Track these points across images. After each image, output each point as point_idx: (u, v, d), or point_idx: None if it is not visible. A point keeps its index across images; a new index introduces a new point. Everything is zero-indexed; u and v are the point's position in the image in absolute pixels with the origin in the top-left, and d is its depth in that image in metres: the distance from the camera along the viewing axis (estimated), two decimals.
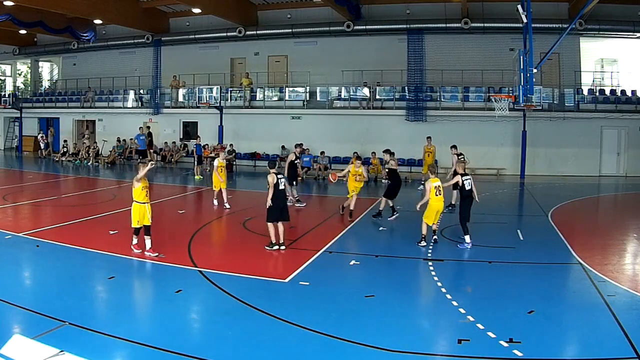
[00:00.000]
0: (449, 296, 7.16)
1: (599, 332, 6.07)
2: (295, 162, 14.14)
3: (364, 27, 24.76)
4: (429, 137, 19.21)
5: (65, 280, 7.71)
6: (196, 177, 20.93)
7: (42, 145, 28.84)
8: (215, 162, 13.91)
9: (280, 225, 9.29)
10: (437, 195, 9.79)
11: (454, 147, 15.28)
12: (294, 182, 14.14)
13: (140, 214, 8.85)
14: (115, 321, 6.16)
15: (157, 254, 8.86)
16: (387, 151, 13.27)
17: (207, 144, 23.75)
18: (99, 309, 6.73)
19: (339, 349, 5.61)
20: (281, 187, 9.33)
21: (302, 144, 15.42)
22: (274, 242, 9.25)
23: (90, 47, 30.44)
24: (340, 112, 24.79)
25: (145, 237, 8.92)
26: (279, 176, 9.29)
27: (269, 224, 9.24)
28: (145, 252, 8.84)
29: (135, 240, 9.07)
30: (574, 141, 22.30)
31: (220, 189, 13.76)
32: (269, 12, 26.89)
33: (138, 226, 8.93)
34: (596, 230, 12.43)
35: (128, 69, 29.80)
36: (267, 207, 9.26)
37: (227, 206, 13.67)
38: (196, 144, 22.32)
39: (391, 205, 12.35)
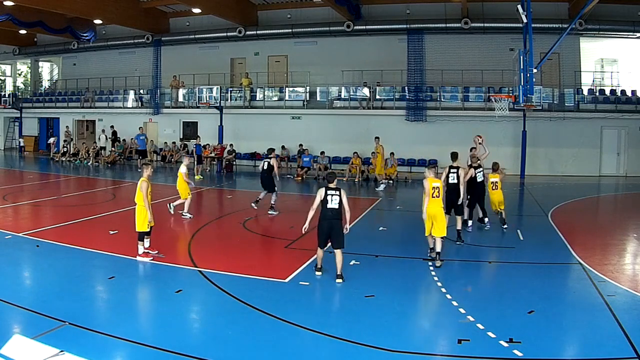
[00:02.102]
0: (449, 296, 7.16)
1: (599, 332, 6.06)
2: (263, 163, 13.10)
3: (364, 27, 24.75)
4: (377, 138, 19.21)
5: (65, 280, 7.71)
6: (196, 177, 20.94)
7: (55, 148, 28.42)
8: (183, 169, 12.63)
9: (337, 253, 7.79)
10: (434, 197, 8.77)
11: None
12: (273, 189, 13.05)
13: (147, 217, 8.65)
14: (115, 321, 6.16)
15: (156, 252, 8.86)
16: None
17: (207, 144, 23.77)
18: (99, 309, 6.73)
19: (339, 349, 5.61)
20: (331, 204, 7.75)
21: (274, 149, 13.87)
22: (319, 265, 8.02)
23: (90, 47, 30.43)
24: (340, 112, 24.78)
25: (146, 237, 8.88)
26: (330, 192, 7.79)
27: (318, 248, 7.97)
28: (145, 251, 8.81)
29: (141, 249, 8.68)
30: (574, 141, 22.29)
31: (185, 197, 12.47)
32: (269, 12, 26.89)
33: (148, 229, 8.71)
34: (596, 230, 12.42)
35: (128, 69, 29.80)
36: (305, 227, 7.93)
37: (189, 215, 12.34)
38: (196, 144, 22.38)
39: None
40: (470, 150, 11.92)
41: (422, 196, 9.02)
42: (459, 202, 10.33)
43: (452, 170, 10.41)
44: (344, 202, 7.80)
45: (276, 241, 10.26)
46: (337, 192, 7.81)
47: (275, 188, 13.12)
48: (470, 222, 11.28)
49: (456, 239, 10.30)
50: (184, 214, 12.36)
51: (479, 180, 11.04)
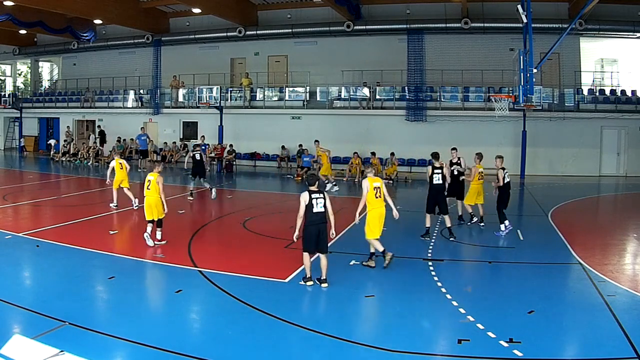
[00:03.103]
0: (449, 296, 7.16)
1: (599, 332, 6.06)
2: (194, 155, 15.43)
3: (364, 27, 24.76)
4: (316, 141, 19.39)
5: (65, 280, 7.70)
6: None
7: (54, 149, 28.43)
8: (120, 161, 13.49)
9: (322, 258, 7.54)
10: (377, 197, 8.41)
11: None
12: (203, 177, 15.39)
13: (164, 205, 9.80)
14: (115, 321, 6.16)
15: (154, 245, 9.55)
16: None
17: (207, 144, 23.73)
18: (99, 309, 6.73)
19: (339, 349, 5.61)
20: (317, 208, 7.36)
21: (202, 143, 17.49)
22: (308, 275, 7.56)
23: (90, 47, 30.46)
24: (340, 112, 24.79)
25: (150, 225, 9.71)
26: (314, 195, 7.40)
27: (304, 253, 7.56)
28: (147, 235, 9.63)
29: (159, 234, 9.70)
30: (574, 141, 22.31)
31: (121, 186, 13.39)
32: (269, 12, 26.90)
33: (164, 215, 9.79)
34: (596, 230, 12.42)
35: (128, 69, 29.81)
36: (296, 235, 7.52)
37: (115, 205, 13.31)
38: (200, 144, 22.42)
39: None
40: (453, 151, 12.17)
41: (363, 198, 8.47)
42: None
43: (436, 171, 10.49)
44: (327, 205, 7.48)
45: (276, 241, 10.26)
46: (321, 195, 7.46)
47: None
48: (507, 222, 10.98)
49: (449, 236, 10.47)
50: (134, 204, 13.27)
51: (506, 181, 11.09)
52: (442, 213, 10.54)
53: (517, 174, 21.99)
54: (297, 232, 7.50)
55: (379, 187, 8.39)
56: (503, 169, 11.12)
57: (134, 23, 26.92)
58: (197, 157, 15.31)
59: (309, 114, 25.24)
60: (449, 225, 10.56)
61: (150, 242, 9.50)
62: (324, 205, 7.44)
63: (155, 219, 9.63)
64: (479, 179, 11.72)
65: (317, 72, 25.32)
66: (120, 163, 13.40)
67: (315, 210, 7.37)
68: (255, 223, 12.20)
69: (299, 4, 25.99)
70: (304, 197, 7.39)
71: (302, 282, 7.60)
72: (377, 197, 8.35)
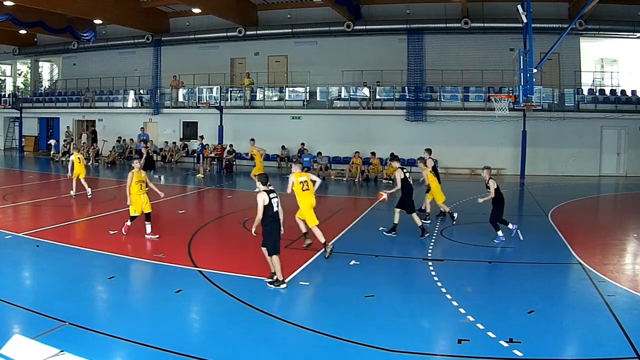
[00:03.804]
0: (449, 296, 7.16)
1: (599, 332, 6.06)
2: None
3: (364, 27, 24.77)
4: (252, 140, 19.39)
5: (65, 280, 7.70)
6: (199, 175, 21.20)
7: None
8: (75, 156, 15.31)
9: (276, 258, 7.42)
10: (304, 190, 8.97)
11: (429, 150, 13.69)
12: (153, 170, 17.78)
13: (137, 203, 10.01)
14: (115, 321, 6.16)
15: (157, 236, 9.96)
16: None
17: (207, 144, 23.78)
18: (99, 309, 6.73)
19: (339, 349, 5.61)
20: (276, 207, 7.38)
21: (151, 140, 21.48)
22: (280, 278, 7.30)
23: (90, 47, 30.46)
24: (340, 112, 24.79)
25: (147, 223, 10.04)
26: (272, 195, 7.34)
27: (272, 257, 7.30)
28: (145, 236, 9.94)
29: (125, 226, 10.14)
30: (574, 141, 22.31)
31: (79, 177, 14.97)
32: (269, 12, 26.90)
33: (136, 214, 10.03)
34: (596, 230, 12.42)
35: (128, 69, 29.82)
36: (254, 231, 7.52)
37: (74, 194, 14.88)
38: (200, 144, 22.51)
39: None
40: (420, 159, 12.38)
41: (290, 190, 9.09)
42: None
43: (405, 170, 10.84)
44: (279, 205, 7.52)
45: None
46: (276, 195, 7.46)
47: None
48: (500, 233, 10.70)
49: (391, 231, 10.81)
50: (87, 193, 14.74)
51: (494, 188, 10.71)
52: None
53: (517, 174, 22.04)
54: (254, 229, 7.55)
55: (305, 181, 8.99)
56: (492, 178, 10.74)
57: (134, 23, 26.92)
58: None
59: (309, 114, 25.23)
60: (396, 222, 10.81)
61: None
62: (278, 203, 7.49)
63: (131, 214, 10.05)
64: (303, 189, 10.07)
65: (317, 72, 25.31)
66: (79, 158, 15.20)
67: (275, 209, 7.40)
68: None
69: (299, 4, 25.99)
70: (264, 198, 7.26)
71: (273, 286, 7.29)
72: (304, 190, 8.95)
